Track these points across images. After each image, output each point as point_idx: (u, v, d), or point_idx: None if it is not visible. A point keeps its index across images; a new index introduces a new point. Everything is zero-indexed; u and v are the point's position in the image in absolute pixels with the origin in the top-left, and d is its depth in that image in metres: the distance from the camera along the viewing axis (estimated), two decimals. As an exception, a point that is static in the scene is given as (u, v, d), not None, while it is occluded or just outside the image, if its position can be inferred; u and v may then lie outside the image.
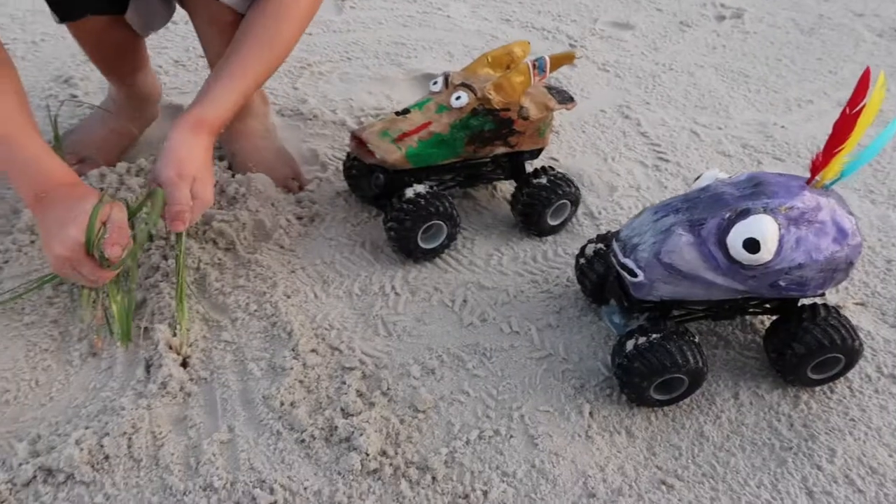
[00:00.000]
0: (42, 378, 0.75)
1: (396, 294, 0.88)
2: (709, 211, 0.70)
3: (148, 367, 0.76)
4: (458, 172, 0.97)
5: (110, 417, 0.69)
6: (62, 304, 0.83)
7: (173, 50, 1.42)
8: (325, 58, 1.43)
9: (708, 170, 0.79)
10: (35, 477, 0.65)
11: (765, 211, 0.68)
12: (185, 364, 0.76)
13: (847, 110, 0.67)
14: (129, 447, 0.67)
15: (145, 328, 0.79)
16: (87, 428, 0.68)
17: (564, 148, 1.20)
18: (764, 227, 0.67)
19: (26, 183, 0.71)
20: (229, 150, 1.06)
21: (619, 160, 1.18)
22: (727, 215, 0.69)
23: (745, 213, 0.68)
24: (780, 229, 0.68)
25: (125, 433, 0.68)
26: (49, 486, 0.64)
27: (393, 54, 1.47)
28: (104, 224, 0.70)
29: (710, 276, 0.71)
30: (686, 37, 1.66)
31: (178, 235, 0.77)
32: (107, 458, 0.66)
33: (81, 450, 0.65)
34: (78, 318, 0.81)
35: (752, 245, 0.68)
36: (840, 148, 0.69)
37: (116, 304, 0.76)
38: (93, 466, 0.66)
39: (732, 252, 0.69)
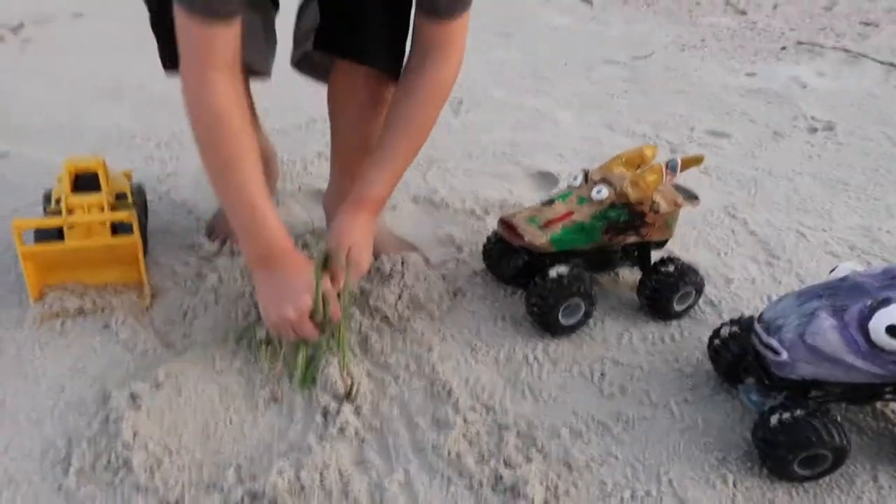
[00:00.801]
0: (235, 418, 0.84)
1: (539, 364, 0.96)
2: (850, 298, 0.77)
3: (325, 414, 0.85)
4: (589, 257, 1.06)
5: (301, 455, 0.78)
6: (244, 355, 0.94)
7: (315, 144, 1.59)
8: (448, 154, 1.58)
9: (843, 262, 0.86)
10: (242, 500, 0.73)
11: (905, 298, 0.74)
12: (356, 413, 0.85)
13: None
14: (322, 481, 0.75)
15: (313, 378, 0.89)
16: (284, 461, 0.77)
17: (678, 244, 1.29)
18: (905, 314, 0.73)
19: (254, 246, 0.84)
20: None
21: (732, 256, 1.26)
22: (869, 303, 0.75)
23: (886, 302, 0.75)
24: (919, 316, 0.74)
25: (317, 467, 0.76)
26: (255, 510, 0.73)
27: (509, 154, 1.61)
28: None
29: (850, 360, 0.77)
30: (781, 146, 1.76)
31: (341, 294, 0.88)
32: (302, 488, 0.75)
33: (282, 479, 0.74)
34: (259, 369, 0.91)
35: (893, 331, 0.74)
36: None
37: (303, 354, 0.86)
38: (291, 494, 0.74)
39: (874, 337, 0.75)
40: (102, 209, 1.01)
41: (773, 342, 0.78)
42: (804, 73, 2.36)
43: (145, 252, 1.06)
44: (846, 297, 0.77)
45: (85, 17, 2.42)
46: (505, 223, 1.02)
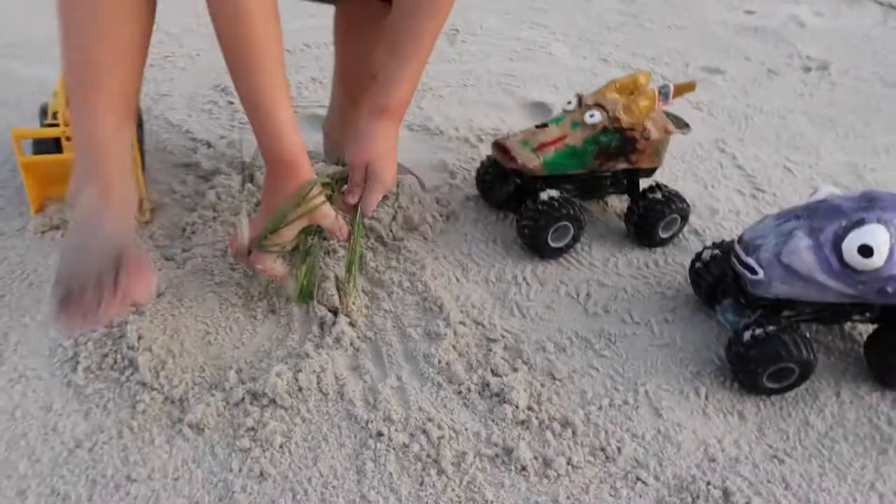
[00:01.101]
0: (234, 326, 0.88)
1: (528, 284, 0.99)
2: (827, 219, 0.80)
3: (321, 325, 0.88)
4: (580, 184, 1.09)
5: (299, 360, 0.82)
6: (242, 270, 0.97)
7: (309, 69, 1.59)
8: (443, 83, 1.58)
9: (824, 185, 0.89)
10: (244, 398, 0.77)
11: (878, 221, 0.78)
12: (351, 325, 0.89)
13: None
14: (318, 383, 0.80)
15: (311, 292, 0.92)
16: (283, 365, 0.81)
17: (667, 175, 1.31)
18: (877, 236, 0.77)
19: (266, 151, 0.81)
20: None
21: (718, 188, 1.29)
22: (844, 223, 0.79)
23: (860, 223, 0.78)
24: (891, 238, 0.77)
25: (314, 371, 0.80)
26: (256, 407, 0.77)
27: (504, 83, 1.61)
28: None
29: (823, 279, 0.80)
30: (774, 84, 1.76)
31: (355, 211, 0.90)
32: (300, 389, 0.79)
33: (280, 380, 0.78)
34: (257, 282, 0.94)
35: (865, 251, 0.77)
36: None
37: (300, 269, 0.89)
38: (290, 395, 0.78)
39: (846, 257, 0.78)
40: (100, 124, 1.01)
41: (751, 261, 0.82)
42: (803, 12, 2.34)
43: (143, 169, 1.08)
44: (823, 218, 0.80)
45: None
46: (499, 146, 1.04)
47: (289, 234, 0.82)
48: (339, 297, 0.91)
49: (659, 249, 1.10)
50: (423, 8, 0.91)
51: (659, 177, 1.29)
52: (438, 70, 1.63)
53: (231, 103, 1.40)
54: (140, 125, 1.17)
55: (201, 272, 0.95)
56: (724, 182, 1.31)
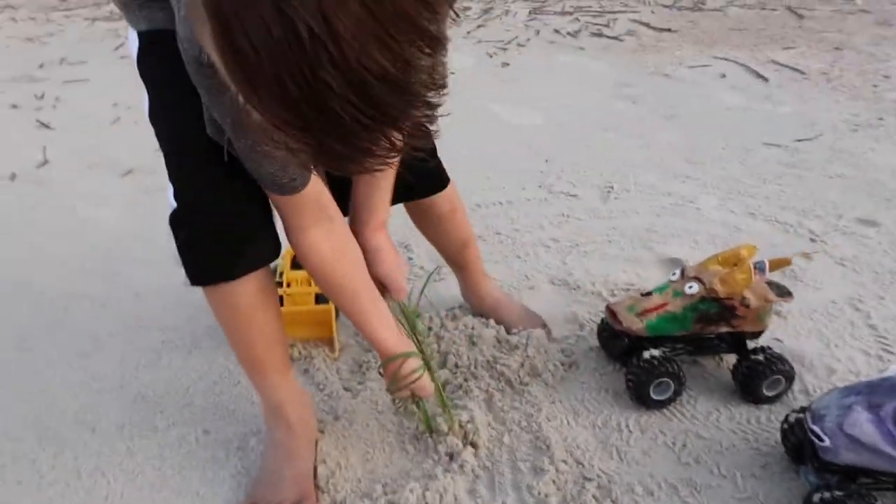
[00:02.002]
0: (387, 448, 1.15)
1: (629, 431, 1.15)
2: (888, 396, 0.88)
3: (451, 453, 1.12)
4: (687, 343, 1.24)
5: (429, 480, 1.06)
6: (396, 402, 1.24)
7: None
8: (589, 240, 1.80)
9: (893, 364, 0.97)
10: (384, 508, 1.03)
11: (936, 403, 0.85)
12: (475, 455, 1.11)
13: None
14: (440, 501, 1.02)
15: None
16: (416, 483, 1.05)
17: (790, 331, 1.40)
18: (934, 416, 0.84)
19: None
20: (474, 301, 1.44)
21: (842, 347, 1.34)
22: (902, 402, 0.87)
23: (918, 403, 0.86)
24: (950, 420, 0.84)
25: (438, 491, 1.03)
26: (392, 514, 1.02)
27: (645, 239, 1.80)
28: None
29: (889, 450, 0.88)
30: (936, 237, 1.75)
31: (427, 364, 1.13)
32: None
33: (412, 495, 1.02)
34: (407, 414, 1.21)
35: (924, 430, 0.85)
36: None
37: (420, 410, 1.15)
38: (417, 508, 1.02)
39: (908, 433, 0.86)
40: (309, 283, 1.39)
41: (817, 429, 0.92)
42: None
43: (336, 316, 1.42)
44: (884, 394, 0.89)
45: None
46: (609, 310, 1.23)
47: (402, 393, 1.07)
48: (451, 427, 1.14)
49: (765, 406, 1.19)
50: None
51: (781, 332, 1.39)
52: (587, 226, 1.87)
53: (410, 258, 1.74)
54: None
55: (369, 402, 1.24)
56: (850, 342, 1.36)
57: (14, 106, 3.14)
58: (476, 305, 1.45)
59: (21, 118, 2.96)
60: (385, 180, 1.06)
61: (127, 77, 3.59)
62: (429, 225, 1.34)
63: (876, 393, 0.89)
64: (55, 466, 1.13)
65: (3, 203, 2.10)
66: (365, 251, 1.04)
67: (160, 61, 0.92)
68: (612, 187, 2.11)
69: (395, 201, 1.20)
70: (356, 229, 1.06)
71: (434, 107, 0.52)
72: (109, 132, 2.77)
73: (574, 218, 1.92)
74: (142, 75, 0.96)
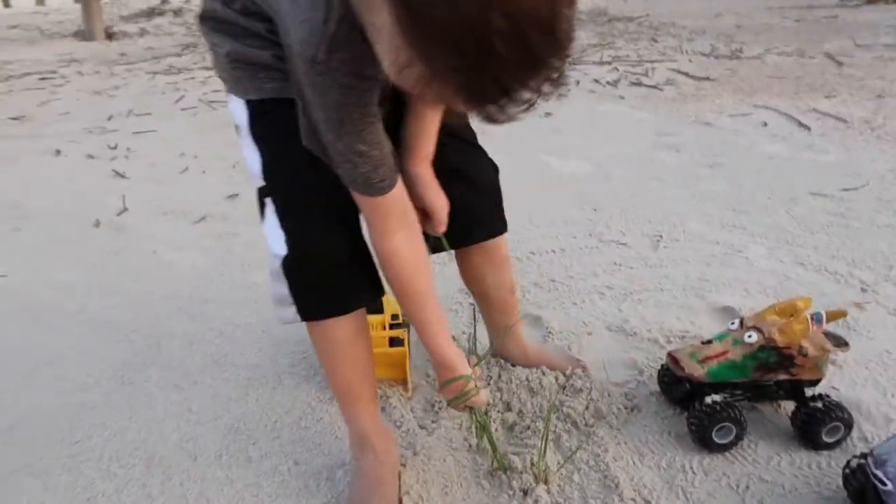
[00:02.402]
0: (464, 483, 1.22)
1: (693, 472, 1.21)
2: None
3: (525, 490, 1.19)
4: (746, 389, 1.30)
5: (506, 514, 1.14)
6: (473, 439, 1.32)
7: (531, 275, 1.99)
8: (643, 287, 1.88)
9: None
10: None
11: None
12: (548, 491, 1.18)
13: None
14: (518, 534, 1.10)
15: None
16: (494, 516, 1.13)
17: (847, 380, 1.45)
18: None
19: (430, 354, 1.15)
20: (516, 354, 1.51)
21: (899, 396, 1.39)
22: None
23: (976, 450, 0.91)
24: None
25: (515, 525, 1.11)
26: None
27: (697, 288, 1.86)
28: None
29: (950, 495, 0.93)
30: None
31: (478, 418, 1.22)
32: (505, 537, 1.09)
33: (492, 528, 1.10)
34: (480, 451, 1.29)
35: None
36: None
37: (492, 446, 1.23)
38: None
39: (968, 479, 0.91)
40: (384, 327, 1.49)
41: (880, 474, 0.97)
42: None
43: (409, 358, 1.52)
44: (943, 444, 0.94)
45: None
46: (671, 357, 1.31)
47: (459, 408, 1.18)
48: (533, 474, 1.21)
49: (825, 452, 1.24)
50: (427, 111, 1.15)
51: (838, 381, 1.44)
52: (640, 274, 1.95)
53: (471, 304, 1.84)
54: (408, 326, 1.64)
55: (444, 439, 1.33)
56: (905, 391, 1.40)
57: (90, 156, 3.36)
58: (520, 355, 1.52)
59: (98, 168, 3.17)
60: (433, 125, 1.16)
61: (190, 129, 3.84)
62: (489, 269, 1.42)
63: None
64: (164, 492, 1.23)
65: (91, 248, 2.27)
66: (408, 177, 1.13)
67: (273, 124, 1.06)
68: (661, 236, 2.19)
69: (466, 243, 1.33)
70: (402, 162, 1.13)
71: (561, 70, 0.64)
72: (179, 181, 2.95)
73: (626, 266, 2.00)
74: (254, 137, 1.08)
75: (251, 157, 1.10)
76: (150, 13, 10.15)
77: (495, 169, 1.34)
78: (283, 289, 1.09)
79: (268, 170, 1.08)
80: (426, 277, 1.10)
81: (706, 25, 6.45)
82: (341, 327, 1.12)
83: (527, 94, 0.64)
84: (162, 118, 4.10)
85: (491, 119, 0.67)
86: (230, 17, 1.03)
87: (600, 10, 7.92)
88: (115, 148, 3.48)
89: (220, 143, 3.43)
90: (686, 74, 4.53)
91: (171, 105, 4.45)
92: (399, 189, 1.03)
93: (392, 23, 0.63)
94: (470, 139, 1.32)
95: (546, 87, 0.64)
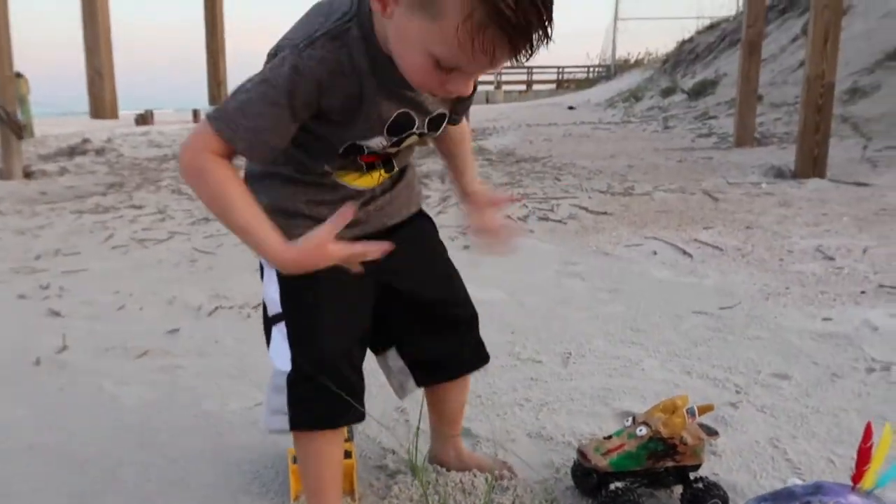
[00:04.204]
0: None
1: (604, 551, 1.42)
2: (787, 500, 1.21)
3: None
4: (643, 476, 1.54)
5: None
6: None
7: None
8: (556, 399, 2.13)
9: (791, 478, 1.30)
10: None
11: (819, 503, 1.18)
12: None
13: (862, 445, 1.19)
14: None
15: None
16: None
17: (724, 466, 1.72)
18: (819, 514, 1.16)
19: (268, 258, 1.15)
20: (451, 460, 1.70)
21: (766, 478, 1.66)
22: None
23: (808, 504, 1.18)
24: (830, 516, 1.16)
25: None
26: None
27: (603, 397, 2.14)
28: None
29: (794, 544, 1.18)
30: (836, 386, 2.14)
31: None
32: None
33: None
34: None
35: (815, 525, 1.16)
36: (864, 468, 1.19)
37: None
38: None
39: (803, 529, 1.17)
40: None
41: (743, 533, 1.22)
42: (877, 316, 2.74)
43: (356, 470, 1.68)
44: (784, 499, 1.21)
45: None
46: (580, 451, 1.55)
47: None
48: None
49: (710, 526, 1.49)
50: (465, 137, 1.46)
51: (716, 468, 1.71)
52: (554, 387, 2.21)
53: (407, 420, 2.03)
54: (351, 438, 1.81)
55: None
56: (771, 472, 1.68)
57: (22, 296, 3.42)
58: (455, 459, 1.72)
59: (31, 308, 3.23)
60: (466, 153, 1.48)
61: (123, 267, 3.94)
62: (456, 391, 1.64)
63: (779, 499, 1.21)
64: None
65: (35, 386, 2.33)
66: (471, 197, 1.47)
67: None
68: (570, 353, 2.48)
69: (455, 374, 1.59)
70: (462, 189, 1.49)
71: (539, 44, 0.98)
72: (117, 317, 3.06)
73: (541, 380, 2.26)
74: (278, 274, 1.26)
75: (271, 290, 1.29)
76: (71, 152, 10.25)
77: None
78: (280, 401, 1.28)
79: (284, 301, 1.28)
80: (235, 179, 1.13)
81: (602, 166, 7.22)
82: (324, 436, 1.33)
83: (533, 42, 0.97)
84: (92, 257, 4.20)
85: (517, 56, 0.99)
86: (258, 172, 1.27)
87: (509, 151, 8.71)
88: (47, 287, 3.55)
89: (155, 280, 3.58)
90: (587, 210, 5.07)
91: (100, 243, 4.56)
92: (232, 166, 1.13)
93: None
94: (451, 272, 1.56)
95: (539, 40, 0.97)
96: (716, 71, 14.24)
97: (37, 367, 2.50)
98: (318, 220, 1.12)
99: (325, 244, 1.09)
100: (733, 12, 17.87)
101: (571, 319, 2.84)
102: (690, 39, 18.39)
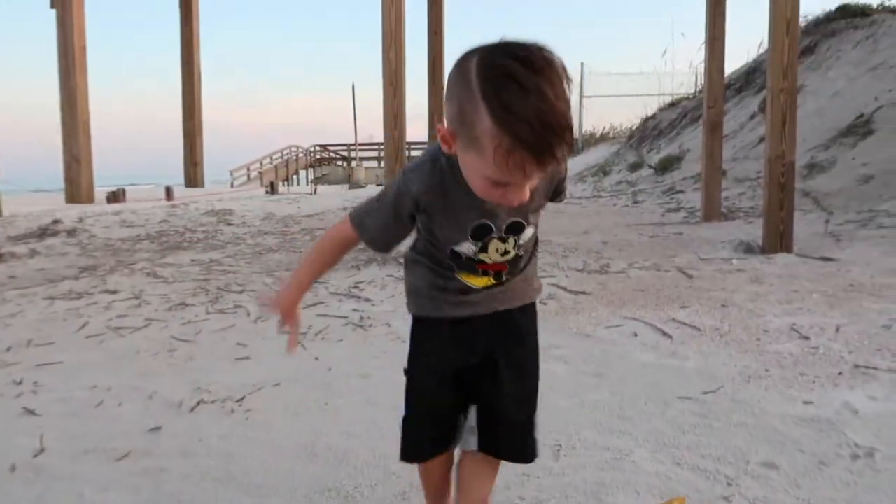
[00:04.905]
0: None
1: None
2: None
3: None
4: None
5: None
6: None
7: None
8: (550, 495, 2.12)
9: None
10: None
11: None
12: None
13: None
14: None
15: None
16: None
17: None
18: None
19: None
20: None
21: (766, 579, 1.66)
22: None
23: None
24: None
25: None
26: None
27: (596, 492, 2.13)
28: None
29: None
30: (823, 474, 2.17)
31: None
32: None
33: None
34: None
35: None
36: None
37: None
38: None
39: None
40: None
41: None
42: (856, 398, 2.79)
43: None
44: None
45: (282, 385, 3.28)
46: (581, 561, 1.54)
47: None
48: None
49: None
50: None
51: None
52: (547, 484, 2.19)
53: (400, 525, 1.99)
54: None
55: None
56: (771, 573, 1.68)
57: (-6, 393, 3.31)
58: None
59: (5, 406, 3.13)
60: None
61: (99, 359, 3.88)
62: (483, 475, 1.74)
63: None
64: None
65: (9, 496, 2.25)
66: None
67: (419, 331, 1.66)
68: (560, 445, 2.47)
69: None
70: None
71: (564, 158, 1.25)
72: (96, 415, 2.98)
73: (534, 476, 2.24)
74: (411, 335, 1.67)
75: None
76: (42, 233, 10.11)
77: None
78: None
79: (409, 358, 1.66)
80: (326, 259, 1.63)
81: (577, 242, 7.36)
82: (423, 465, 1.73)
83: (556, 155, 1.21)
84: (67, 348, 4.10)
85: (545, 168, 1.24)
86: (409, 258, 1.62)
87: (483, 229, 8.83)
88: (20, 383, 3.45)
89: (134, 373, 3.51)
90: (565, 289, 5.13)
91: (74, 332, 4.46)
92: (346, 244, 1.61)
93: (490, 125, 1.19)
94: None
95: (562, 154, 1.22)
96: (679, 146, 14.77)
97: (12, 473, 2.41)
98: (434, 301, 1.57)
99: (288, 303, 1.60)
100: (693, 90, 18.72)
101: (559, 407, 2.84)
102: (653, 116, 19.13)
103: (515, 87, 1.16)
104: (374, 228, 1.53)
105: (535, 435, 1.76)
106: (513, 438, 1.71)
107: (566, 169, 1.53)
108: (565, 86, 1.20)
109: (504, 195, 1.31)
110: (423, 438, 1.63)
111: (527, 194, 1.32)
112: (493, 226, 1.48)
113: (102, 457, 2.52)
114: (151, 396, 3.12)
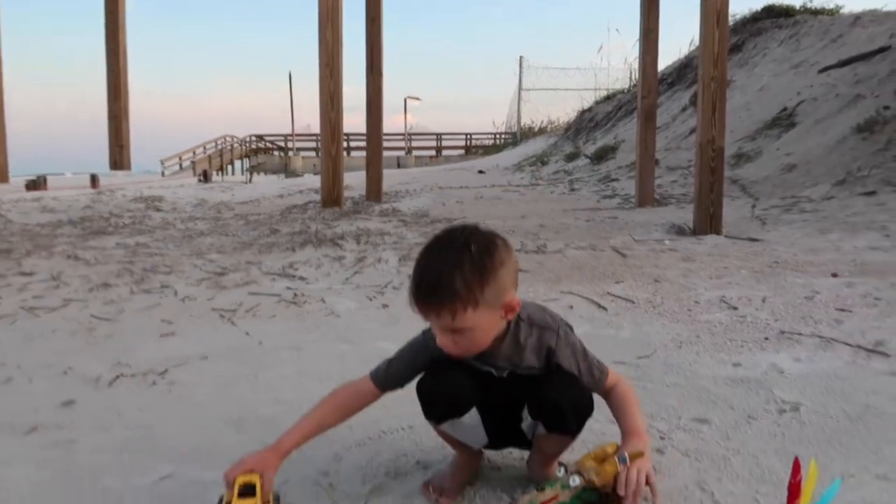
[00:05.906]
0: None
1: None
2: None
3: None
4: (580, 528, 1.51)
5: None
6: None
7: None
8: (488, 451, 2.08)
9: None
10: None
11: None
12: None
13: (791, 480, 1.21)
14: None
15: None
16: None
17: (657, 512, 1.71)
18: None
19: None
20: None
21: (697, 522, 1.66)
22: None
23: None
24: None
25: None
26: None
27: (531, 450, 2.10)
28: None
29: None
30: (752, 428, 2.20)
31: None
32: None
33: None
34: None
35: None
36: (795, 502, 1.20)
37: None
38: None
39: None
40: (250, 512, 1.54)
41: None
42: (783, 360, 2.87)
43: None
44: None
45: (209, 359, 3.14)
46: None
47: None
48: None
49: (648, 576, 1.46)
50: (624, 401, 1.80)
51: (650, 514, 1.69)
52: (481, 444, 2.15)
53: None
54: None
55: None
56: (702, 516, 1.69)
57: None
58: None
59: None
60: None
61: (10, 338, 3.63)
62: (556, 442, 1.79)
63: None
64: None
65: None
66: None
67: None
68: (496, 408, 2.44)
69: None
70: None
71: (450, 307, 1.53)
72: (2, 391, 2.78)
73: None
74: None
75: None
76: (-48, 221, 9.50)
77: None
78: None
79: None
80: (327, 415, 1.78)
81: (514, 225, 7.39)
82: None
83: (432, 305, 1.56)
84: (-25, 331, 3.84)
85: (439, 317, 1.56)
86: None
87: (423, 213, 8.78)
88: (-82, 364, 3.19)
89: (48, 351, 3.30)
90: (502, 268, 5.09)
91: (-17, 317, 4.18)
92: (368, 394, 1.81)
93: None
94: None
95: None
96: (615, 137, 15.10)
97: None
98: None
99: (264, 465, 1.67)
100: (627, 85, 19.15)
101: (495, 374, 2.80)
102: (590, 109, 19.48)
103: (424, 251, 1.59)
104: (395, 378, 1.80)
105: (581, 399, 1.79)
106: (562, 386, 1.76)
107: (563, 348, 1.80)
108: (466, 257, 1.51)
109: (443, 343, 1.60)
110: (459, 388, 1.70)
111: (449, 343, 1.58)
112: (479, 367, 1.73)
113: (8, 431, 2.34)
114: (66, 372, 2.93)
